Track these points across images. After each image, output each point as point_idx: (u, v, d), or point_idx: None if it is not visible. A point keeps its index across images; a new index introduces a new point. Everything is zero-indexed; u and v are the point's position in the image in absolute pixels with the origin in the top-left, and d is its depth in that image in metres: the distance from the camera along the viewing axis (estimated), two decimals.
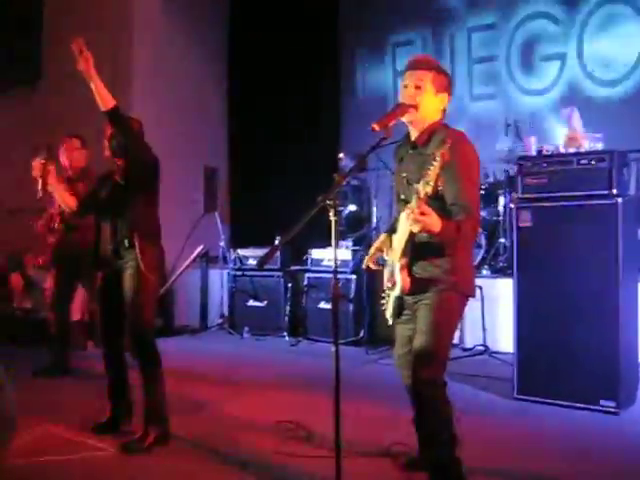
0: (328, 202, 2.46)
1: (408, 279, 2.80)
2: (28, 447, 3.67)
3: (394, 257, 2.91)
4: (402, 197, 2.96)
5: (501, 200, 6.96)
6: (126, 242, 3.81)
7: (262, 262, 2.83)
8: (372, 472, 3.29)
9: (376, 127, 2.66)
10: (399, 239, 2.86)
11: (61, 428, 3.98)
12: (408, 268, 2.82)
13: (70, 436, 3.86)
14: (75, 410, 4.40)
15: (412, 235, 2.74)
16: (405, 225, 2.76)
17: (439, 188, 2.48)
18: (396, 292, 2.89)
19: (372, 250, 3.13)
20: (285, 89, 9.13)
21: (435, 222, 2.54)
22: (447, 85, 2.91)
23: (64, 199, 4.22)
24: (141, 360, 3.76)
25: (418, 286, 2.82)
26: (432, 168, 2.45)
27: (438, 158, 2.44)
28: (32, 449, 3.64)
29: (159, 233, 4.00)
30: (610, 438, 3.81)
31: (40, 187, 4.16)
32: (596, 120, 5.36)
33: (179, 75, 9.14)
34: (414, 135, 2.93)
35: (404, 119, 2.85)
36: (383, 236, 3.13)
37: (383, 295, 3.08)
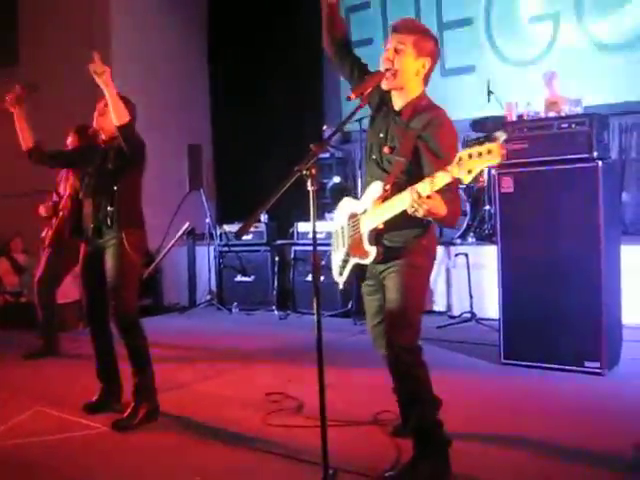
0: (305, 172, 2.44)
1: (381, 248, 2.77)
2: (21, 427, 3.71)
3: (362, 225, 2.83)
4: (373, 157, 2.89)
5: (485, 171, 6.97)
6: (108, 221, 3.80)
7: (240, 233, 2.79)
8: (360, 440, 3.33)
9: (352, 95, 2.63)
10: (376, 208, 2.74)
11: (53, 408, 4.00)
12: (380, 237, 2.79)
13: (62, 416, 3.87)
14: (66, 391, 4.43)
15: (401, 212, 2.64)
16: (394, 201, 2.65)
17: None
18: (366, 261, 2.82)
19: (342, 214, 3.03)
20: (266, 63, 9.06)
21: (441, 207, 2.49)
22: (431, 50, 2.80)
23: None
24: (127, 339, 3.77)
25: (388, 254, 2.79)
26: (440, 174, 2.39)
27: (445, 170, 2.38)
28: (25, 429, 3.67)
29: (142, 214, 3.98)
30: (595, 399, 3.86)
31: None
32: None
33: (160, 54, 9.06)
34: (397, 104, 2.85)
35: (383, 86, 2.79)
36: (346, 199, 3.07)
37: (333, 259, 3.05)
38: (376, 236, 2.78)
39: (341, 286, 3.06)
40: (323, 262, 6.72)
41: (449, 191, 2.51)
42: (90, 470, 3.12)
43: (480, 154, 2.27)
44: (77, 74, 8.46)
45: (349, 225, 2.94)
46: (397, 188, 2.66)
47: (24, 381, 4.77)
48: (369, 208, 2.80)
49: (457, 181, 2.41)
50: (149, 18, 9.08)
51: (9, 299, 7.58)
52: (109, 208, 3.82)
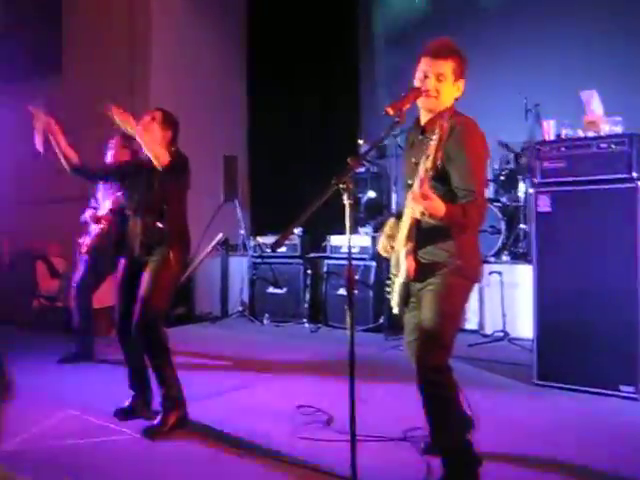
0: (341, 185, 2.45)
1: (413, 264, 2.78)
2: (52, 430, 3.75)
3: (399, 243, 2.89)
4: (409, 182, 2.90)
5: (521, 186, 6.93)
6: (158, 239, 3.88)
7: (276, 245, 2.81)
8: (389, 456, 3.31)
9: (390, 111, 2.64)
10: (404, 224, 2.83)
11: (85, 413, 4.04)
12: (413, 253, 2.80)
13: (93, 420, 3.92)
14: (98, 396, 4.47)
15: (417, 220, 2.71)
16: (408, 211, 2.76)
17: (438, 163, 2.46)
18: (401, 278, 2.86)
19: (382, 237, 3.09)
20: (304, 75, 9.10)
21: (438, 206, 2.52)
22: (464, 71, 2.86)
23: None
24: (147, 345, 3.82)
25: (423, 271, 2.80)
26: (432, 142, 2.45)
27: (437, 131, 2.43)
28: (56, 432, 3.72)
29: (188, 230, 4.08)
30: (629, 424, 3.79)
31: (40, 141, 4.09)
32: None
33: (198, 63, 9.16)
34: (424, 120, 2.90)
35: (420, 104, 2.83)
36: (391, 222, 3.08)
37: (388, 282, 3.07)
38: (410, 252, 2.79)
39: (395, 309, 3.04)
40: (356, 277, 6.77)
41: (465, 193, 2.65)
42: (117, 476, 3.15)
43: (431, 138, 2.47)
44: (118, 80, 8.72)
45: (396, 245, 2.98)
46: None
47: (57, 385, 4.83)
48: (403, 226, 2.85)
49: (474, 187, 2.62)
50: (189, 21, 9.18)
51: (45, 303, 7.69)
52: (159, 226, 3.89)
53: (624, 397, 4.12)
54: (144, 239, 3.93)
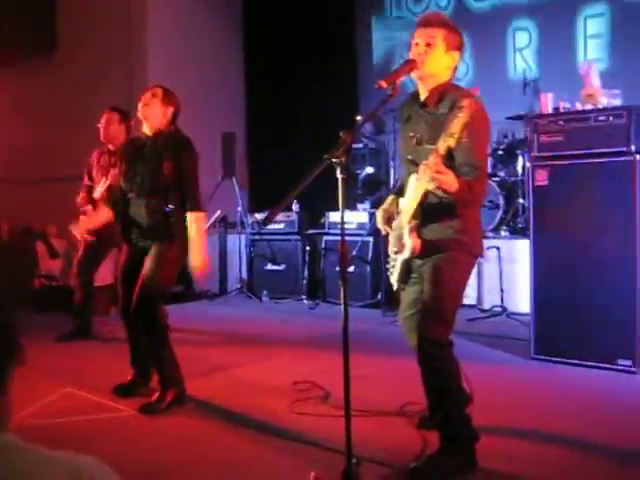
0: (334, 160, 2.43)
1: (419, 241, 2.78)
2: (52, 407, 3.77)
3: (402, 220, 2.88)
4: (409, 157, 2.91)
5: (520, 160, 6.88)
6: (162, 222, 3.84)
7: (266, 220, 2.80)
8: (385, 431, 3.32)
9: (383, 84, 2.61)
10: (409, 201, 2.83)
11: (84, 390, 4.05)
12: (418, 230, 2.81)
13: (92, 398, 3.93)
14: (97, 373, 4.48)
15: (424, 197, 2.71)
16: (416, 186, 2.74)
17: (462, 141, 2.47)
18: (405, 255, 2.85)
19: (380, 213, 3.09)
20: (301, 49, 9.03)
21: (452, 181, 2.54)
22: (459, 43, 2.87)
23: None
24: (146, 324, 3.80)
25: (428, 248, 2.80)
26: (456, 120, 2.43)
27: (465, 110, 2.42)
28: (55, 409, 3.73)
29: None
30: (627, 397, 3.81)
31: None
32: None
33: (195, 42, 9.09)
34: (423, 94, 2.88)
35: (413, 75, 2.81)
36: (390, 198, 3.09)
37: (388, 259, 3.07)
38: (414, 229, 2.79)
39: (395, 286, 3.05)
40: (353, 253, 6.76)
41: (469, 169, 2.64)
42: (116, 451, 3.15)
43: (454, 116, 2.45)
44: (115, 61, 8.66)
45: (397, 223, 2.97)
46: None
47: (57, 362, 4.84)
48: (407, 202, 2.83)
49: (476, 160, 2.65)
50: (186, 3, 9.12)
51: (45, 282, 7.69)
52: (164, 209, 3.84)
53: (621, 370, 4.12)
54: (149, 222, 3.87)
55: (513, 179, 6.93)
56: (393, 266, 3.00)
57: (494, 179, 6.87)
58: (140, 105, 3.93)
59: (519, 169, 6.88)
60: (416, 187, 2.75)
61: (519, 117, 6.82)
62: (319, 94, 8.88)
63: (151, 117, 3.89)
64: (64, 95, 9.18)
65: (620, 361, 4.14)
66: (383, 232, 3.13)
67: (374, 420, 3.43)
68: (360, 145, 7.96)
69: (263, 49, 9.43)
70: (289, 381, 4.12)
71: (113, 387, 4.00)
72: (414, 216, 2.79)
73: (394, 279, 3.02)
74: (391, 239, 3.03)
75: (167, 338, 3.84)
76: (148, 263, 3.80)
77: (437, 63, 2.80)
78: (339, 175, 2.43)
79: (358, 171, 7.85)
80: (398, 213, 2.97)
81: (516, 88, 7.18)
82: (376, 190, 7.72)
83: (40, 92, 9.48)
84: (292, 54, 9.11)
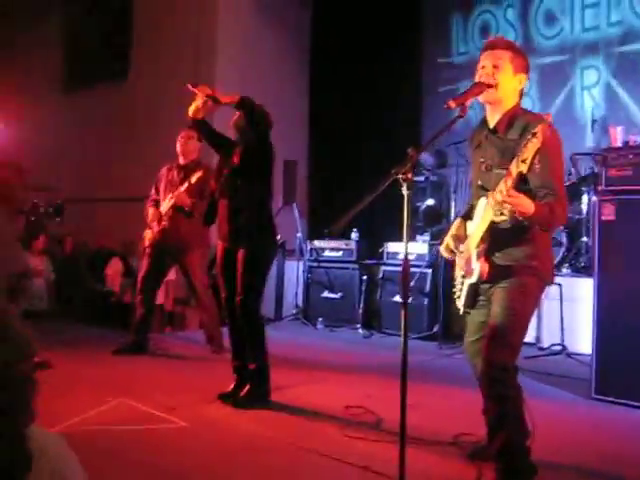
0: (400, 176, 2.43)
1: (487, 266, 2.76)
2: (104, 416, 3.82)
3: (471, 244, 2.87)
4: (479, 183, 2.91)
5: (584, 198, 6.74)
6: (243, 226, 4.09)
7: (335, 228, 2.82)
8: (437, 460, 3.25)
9: (452, 104, 2.62)
10: (477, 225, 2.82)
11: (137, 401, 4.09)
12: (486, 254, 2.78)
13: (145, 409, 3.97)
14: (151, 386, 4.55)
15: (492, 222, 2.70)
16: (485, 211, 2.73)
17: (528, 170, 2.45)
18: (473, 279, 2.83)
19: (448, 237, 3.08)
20: (367, 81, 9.10)
21: (527, 204, 2.52)
22: (526, 66, 2.87)
23: None
24: (248, 326, 4.12)
25: (496, 273, 2.77)
26: (529, 145, 2.41)
27: (538, 136, 2.39)
28: (107, 418, 3.78)
29: (273, 222, 4.29)
30: None
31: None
32: None
33: (262, 66, 9.26)
34: (492, 120, 2.88)
35: (481, 99, 2.81)
36: (458, 222, 3.08)
37: (455, 283, 3.05)
38: (482, 253, 2.78)
39: (461, 311, 3.03)
40: (412, 284, 6.70)
41: (547, 192, 2.63)
42: (157, 463, 3.17)
43: (527, 141, 2.40)
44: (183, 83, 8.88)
45: (465, 246, 2.96)
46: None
47: (111, 374, 4.92)
48: (475, 226, 2.84)
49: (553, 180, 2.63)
50: (257, 31, 9.30)
51: (106, 298, 7.83)
52: (244, 214, 4.12)
53: None
54: (231, 228, 4.13)
55: (577, 217, 6.79)
56: (460, 289, 2.98)
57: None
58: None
59: (583, 207, 6.73)
60: (485, 212, 2.73)
61: (587, 153, 6.71)
62: (381, 123, 8.92)
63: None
64: (134, 116, 9.46)
65: None
66: (449, 257, 3.10)
67: (427, 449, 3.36)
68: (422, 178, 7.95)
69: (329, 74, 9.53)
70: (341, 405, 4.09)
71: (218, 395, 4.20)
72: (483, 240, 2.77)
73: (460, 303, 2.99)
74: (458, 262, 3.01)
75: (264, 339, 4.20)
76: (244, 269, 4.11)
77: (505, 86, 2.79)
78: (405, 192, 2.43)
79: (419, 203, 7.82)
80: (466, 237, 2.96)
81: (582, 126, 7.08)
82: (436, 222, 7.67)
83: (114, 116, 9.79)
84: (358, 81, 9.17)
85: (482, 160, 2.89)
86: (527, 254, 2.76)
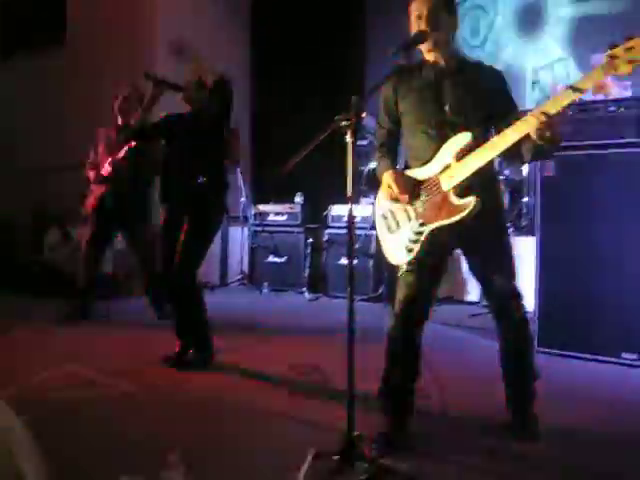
0: (344, 123, 2.38)
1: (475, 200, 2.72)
2: (51, 382, 3.76)
3: (445, 181, 2.76)
4: (432, 124, 2.83)
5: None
6: (200, 188, 4.01)
7: (283, 170, 2.76)
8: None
9: (396, 55, 2.58)
10: (477, 155, 2.68)
11: (82, 367, 4.03)
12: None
13: (90, 374, 3.90)
14: (96, 352, 4.49)
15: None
16: (502, 138, 2.61)
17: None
18: (462, 214, 2.72)
19: (394, 186, 2.93)
20: (308, 47, 8.98)
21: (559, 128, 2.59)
22: (455, 7, 2.89)
23: None
24: (184, 294, 4.09)
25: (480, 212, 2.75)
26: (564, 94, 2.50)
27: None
28: (55, 384, 3.72)
29: (227, 182, 4.27)
30: (631, 391, 3.74)
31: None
32: None
33: (203, 33, 9.05)
34: (441, 61, 2.85)
35: (427, 45, 2.79)
36: (395, 172, 2.98)
37: (404, 237, 2.95)
38: (465, 189, 2.73)
39: (405, 268, 2.94)
40: (356, 246, 6.70)
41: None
42: (113, 426, 3.11)
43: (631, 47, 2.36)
44: (121, 53, 8.61)
45: (423, 192, 2.85)
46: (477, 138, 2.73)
47: (56, 342, 4.82)
48: (452, 163, 2.74)
49: None
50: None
51: (44, 268, 7.62)
52: (201, 180, 4.04)
53: (626, 364, 4.07)
54: (186, 190, 4.05)
55: (518, 178, 6.87)
56: (411, 240, 2.87)
57: (499, 177, 6.81)
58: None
59: (524, 167, 6.81)
60: (508, 133, 2.61)
61: (527, 111, 6.75)
62: (325, 90, 8.83)
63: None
64: (77, 83, 9.15)
65: (625, 355, 4.08)
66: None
67: (373, 403, 3.35)
68: (364, 142, 7.91)
69: (270, 39, 9.38)
70: (286, 365, 4.09)
71: (161, 359, 4.15)
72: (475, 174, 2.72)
73: (408, 256, 2.88)
74: (394, 218, 2.96)
75: (203, 302, 4.16)
76: (189, 230, 4.05)
77: (445, 26, 2.81)
78: (349, 139, 2.38)
79: (362, 167, 7.80)
80: (418, 183, 2.87)
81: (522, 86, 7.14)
82: (380, 185, 7.65)
83: (53, 80, 9.44)
84: (299, 48, 9.05)
85: (434, 102, 2.84)
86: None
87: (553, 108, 2.50)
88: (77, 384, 3.74)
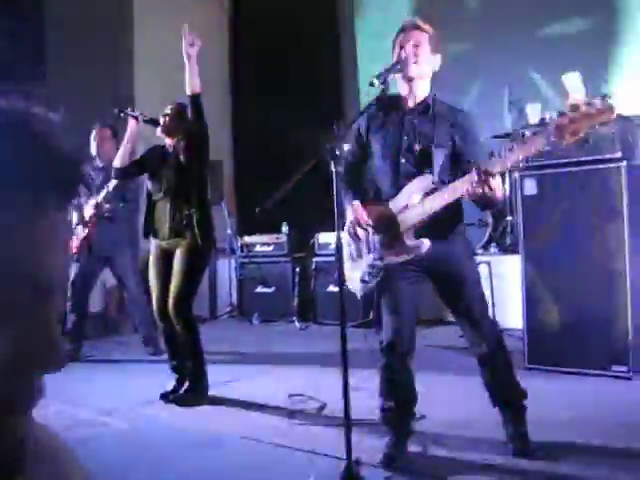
0: (328, 146, 2.43)
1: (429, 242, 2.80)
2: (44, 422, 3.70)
3: (406, 219, 2.83)
4: (402, 160, 2.89)
5: (507, 178, 6.90)
6: (187, 221, 4.04)
7: (265, 209, 2.80)
8: (381, 437, 3.27)
9: (375, 82, 2.64)
10: (434, 198, 2.76)
11: (73, 407, 4.02)
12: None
13: (83, 413, 3.91)
14: (88, 391, 4.46)
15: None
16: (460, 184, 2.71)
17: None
18: (417, 252, 2.81)
19: (365, 219, 2.93)
20: (290, 82, 9.10)
21: (501, 186, 2.72)
22: (439, 45, 2.96)
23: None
24: (181, 326, 4.05)
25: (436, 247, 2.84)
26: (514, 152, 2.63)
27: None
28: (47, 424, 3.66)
29: (211, 215, 4.30)
30: (622, 403, 3.77)
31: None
32: None
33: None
34: (413, 100, 2.92)
35: (411, 73, 2.86)
36: (360, 205, 2.97)
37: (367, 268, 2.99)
38: (421, 229, 2.82)
39: (360, 294, 3.01)
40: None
41: None
42: (108, 464, 3.11)
43: (588, 114, 2.50)
44: (103, 84, 8.65)
45: (383, 227, 2.90)
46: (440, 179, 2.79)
47: (47, 382, 4.78)
48: (413, 202, 2.82)
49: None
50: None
51: None
52: (188, 211, 4.07)
53: (616, 377, 4.11)
54: (173, 224, 4.07)
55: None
56: (369, 272, 2.94)
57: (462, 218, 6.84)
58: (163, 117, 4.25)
59: (506, 187, 6.88)
60: (455, 186, 2.71)
61: (507, 134, 6.85)
62: (305, 120, 8.91)
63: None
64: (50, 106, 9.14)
65: (615, 367, 4.12)
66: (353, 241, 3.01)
67: (370, 428, 3.38)
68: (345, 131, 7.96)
69: (251, 70, 9.48)
70: (284, 395, 4.10)
71: (160, 394, 4.14)
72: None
73: (365, 287, 3.00)
74: (357, 246, 3.00)
75: (198, 337, 4.16)
76: (179, 264, 4.08)
77: (428, 62, 2.87)
78: (333, 167, 2.43)
79: None
80: (390, 216, 2.94)
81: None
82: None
83: None
84: (281, 81, 9.15)
85: (406, 137, 2.90)
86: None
87: (496, 167, 2.63)
88: (70, 424, 3.72)
